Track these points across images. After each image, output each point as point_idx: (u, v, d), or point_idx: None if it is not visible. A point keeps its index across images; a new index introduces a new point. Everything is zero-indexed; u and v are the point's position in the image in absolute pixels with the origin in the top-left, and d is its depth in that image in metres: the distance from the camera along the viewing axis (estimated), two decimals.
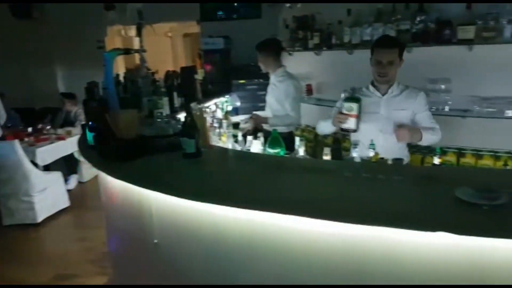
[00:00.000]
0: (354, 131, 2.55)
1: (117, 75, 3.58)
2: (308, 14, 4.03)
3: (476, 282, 1.42)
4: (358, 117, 2.51)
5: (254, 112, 3.72)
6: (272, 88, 3.65)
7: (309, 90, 4.27)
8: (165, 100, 2.92)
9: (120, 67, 6.34)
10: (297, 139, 2.47)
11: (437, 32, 3.00)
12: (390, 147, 2.56)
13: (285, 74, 3.57)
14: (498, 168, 2.88)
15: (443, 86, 3.09)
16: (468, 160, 3.03)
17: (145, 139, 2.28)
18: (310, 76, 4.30)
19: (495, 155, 3.01)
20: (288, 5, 4.22)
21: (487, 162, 3.03)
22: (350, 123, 2.53)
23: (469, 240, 1.37)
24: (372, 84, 2.68)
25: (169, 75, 3.66)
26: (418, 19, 3.03)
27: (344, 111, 2.52)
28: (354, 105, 2.49)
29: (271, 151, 2.50)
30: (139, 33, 3.00)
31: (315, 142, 4.15)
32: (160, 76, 3.86)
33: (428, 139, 2.52)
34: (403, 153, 2.62)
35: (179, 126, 2.28)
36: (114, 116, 2.22)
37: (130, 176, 2.05)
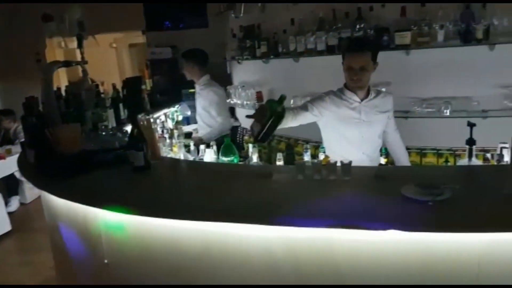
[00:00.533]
0: (256, 138, 2.09)
1: (58, 88, 3.46)
2: (254, 23, 4.08)
3: (427, 276, 1.48)
4: (266, 127, 2.02)
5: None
6: (197, 96, 3.84)
7: (259, 98, 4.30)
8: (110, 112, 2.84)
9: (62, 80, 6.12)
10: (250, 146, 2.47)
11: (376, 39, 3.11)
12: (371, 153, 2.53)
13: (207, 82, 3.78)
14: (440, 165, 3.01)
15: (384, 89, 3.20)
16: (413, 158, 3.15)
17: (89, 154, 2.20)
18: (260, 84, 4.35)
19: (438, 153, 3.15)
20: (235, 15, 4.25)
21: (430, 159, 3.17)
22: (255, 128, 2.07)
23: (418, 236, 1.43)
24: (347, 88, 2.51)
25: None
26: (357, 26, 3.13)
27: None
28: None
29: (224, 159, 2.49)
30: (79, 44, 2.90)
31: (269, 148, 4.18)
32: (105, 88, 3.76)
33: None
34: (379, 159, 2.58)
35: (126, 138, 2.22)
36: (55, 132, 2.12)
37: (75, 194, 1.96)
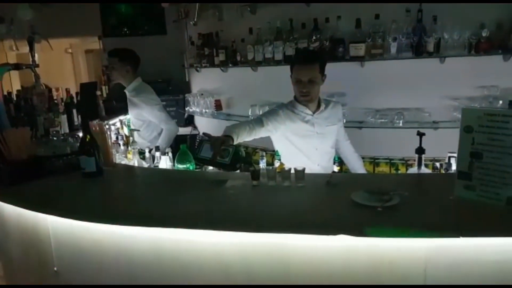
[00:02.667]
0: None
1: (9, 93, 3.32)
2: (213, 31, 4.08)
3: (375, 280, 1.51)
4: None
5: None
6: (129, 104, 3.50)
7: (218, 106, 4.29)
8: (63, 118, 2.76)
9: (15, 85, 5.88)
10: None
11: (331, 50, 3.18)
12: (325, 164, 2.57)
13: (138, 87, 3.47)
14: (391, 173, 3.10)
15: (334, 99, 3.28)
16: (366, 167, 3.22)
17: (39, 159, 2.13)
18: (219, 92, 4.34)
19: (390, 162, 3.25)
20: (192, 22, 4.24)
21: (383, 168, 3.25)
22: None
23: (367, 241, 1.45)
24: (297, 101, 2.53)
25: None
26: (314, 37, 3.19)
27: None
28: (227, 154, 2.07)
29: (180, 166, 2.47)
30: (30, 48, 2.81)
31: None
32: (58, 93, 3.65)
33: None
34: (332, 168, 2.64)
35: (78, 144, 2.17)
36: (3, 136, 2.04)
37: (25, 200, 1.91)
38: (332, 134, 2.60)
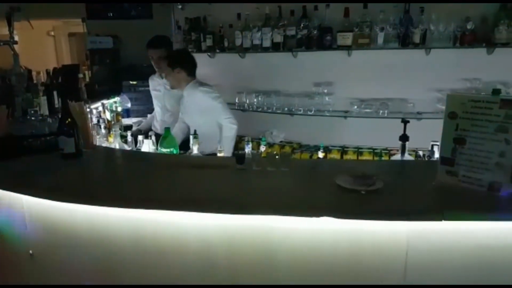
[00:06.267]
0: None
1: None
2: (200, 16, 4.01)
3: (358, 261, 1.52)
4: None
5: None
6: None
7: None
8: (43, 99, 2.68)
9: None
10: (191, 137, 2.44)
11: (319, 38, 3.17)
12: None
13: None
14: (375, 160, 3.12)
15: (326, 90, 3.27)
16: (350, 156, 3.24)
17: (16, 138, 2.07)
18: (206, 78, 4.26)
19: (373, 152, 3.26)
20: (179, 6, 4.15)
21: (366, 157, 3.27)
22: None
23: (350, 223, 1.47)
24: None
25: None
26: (302, 25, 3.17)
27: None
28: None
29: (164, 150, 2.43)
30: (9, 24, 2.70)
31: None
32: (39, 76, 3.55)
33: (228, 144, 2.85)
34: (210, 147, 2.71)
35: (57, 124, 2.11)
36: None
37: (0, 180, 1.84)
38: (192, 114, 3.02)
